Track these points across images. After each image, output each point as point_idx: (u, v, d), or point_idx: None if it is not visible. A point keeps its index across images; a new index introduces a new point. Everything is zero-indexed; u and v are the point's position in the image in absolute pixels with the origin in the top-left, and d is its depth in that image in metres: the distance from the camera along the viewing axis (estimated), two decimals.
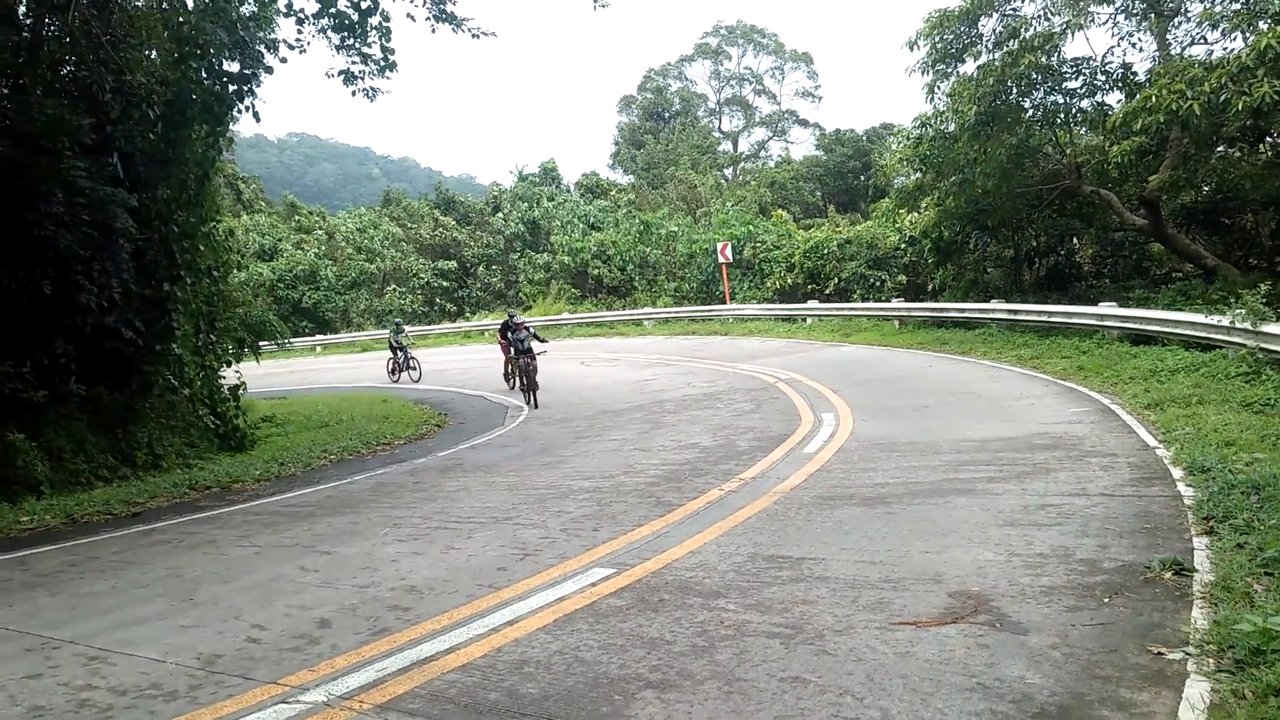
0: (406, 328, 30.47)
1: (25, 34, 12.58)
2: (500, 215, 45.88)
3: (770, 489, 8.38)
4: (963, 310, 22.53)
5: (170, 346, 13.26)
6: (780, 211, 39.21)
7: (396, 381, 23.99)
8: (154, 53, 13.47)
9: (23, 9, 12.89)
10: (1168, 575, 5.19)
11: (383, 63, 14.49)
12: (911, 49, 21.33)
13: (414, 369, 24.13)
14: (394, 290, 44.10)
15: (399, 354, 24.45)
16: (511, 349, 18.60)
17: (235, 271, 19.64)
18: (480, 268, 45.08)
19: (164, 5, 13.40)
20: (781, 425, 12.12)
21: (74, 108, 12.22)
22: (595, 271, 38.95)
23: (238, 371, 15.73)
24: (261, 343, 16.94)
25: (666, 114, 70.04)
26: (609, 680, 4.29)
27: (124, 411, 12.42)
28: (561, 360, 24.39)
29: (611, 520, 7.69)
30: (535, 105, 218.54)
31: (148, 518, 9.72)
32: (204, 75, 12.82)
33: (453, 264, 45.29)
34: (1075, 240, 25.32)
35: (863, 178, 50.56)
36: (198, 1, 12.58)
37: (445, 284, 44.78)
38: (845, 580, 5.55)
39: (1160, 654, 4.17)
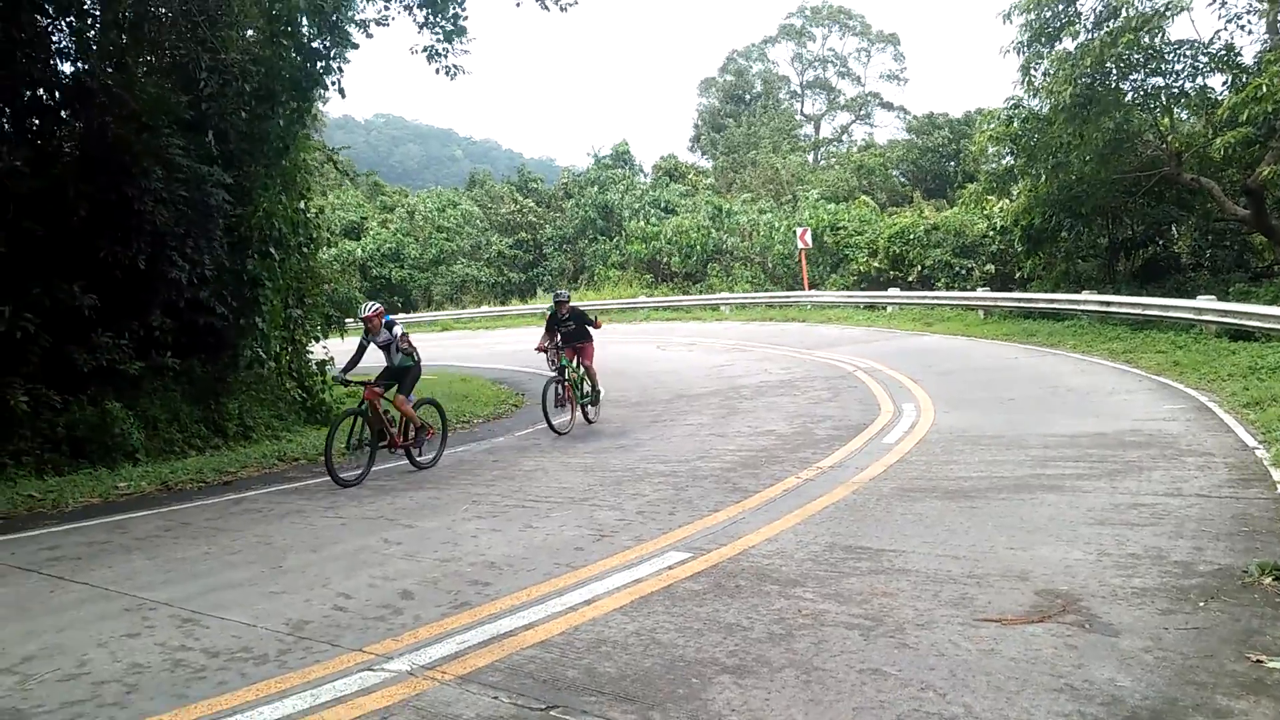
0: (577, 303, 19.24)
1: (128, 14, 13.03)
2: (573, 201, 46.21)
3: (849, 479, 8.28)
4: (1052, 301, 21.88)
5: (255, 321, 13.68)
6: (865, 197, 38.56)
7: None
8: (249, 31, 13.84)
9: None
10: (1267, 580, 4.98)
11: (452, 29, 14.61)
12: (1005, 21, 20.74)
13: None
14: (465, 263, 44.87)
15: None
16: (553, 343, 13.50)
17: (324, 249, 20.08)
18: (551, 249, 45.60)
19: None
20: (860, 414, 11.96)
21: (173, 86, 12.64)
22: (668, 258, 38.83)
23: (324, 347, 16.14)
24: (348, 320, 17.26)
25: (747, 96, 69.27)
26: (685, 663, 4.29)
27: (216, 384, 12.85)
28: (638, 344, 24.46)
29: (687, 505, 7.69)
30: (616, 88, 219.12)
31: (238, 486, 10.05)
32: (294, 53, 13.11)
33: (525, 235, 45.96)
34: (1174, 230, 24.35)
35: (952, 164, 49.39)
36: None
37: (520, 254, 45.48)
38: (926, 574, 5.45)
39: (1259, 661, 4.00)
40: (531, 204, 48.51)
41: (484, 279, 44.49)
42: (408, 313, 44.11)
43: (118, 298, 11.78)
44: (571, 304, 13.39)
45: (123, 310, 11.88)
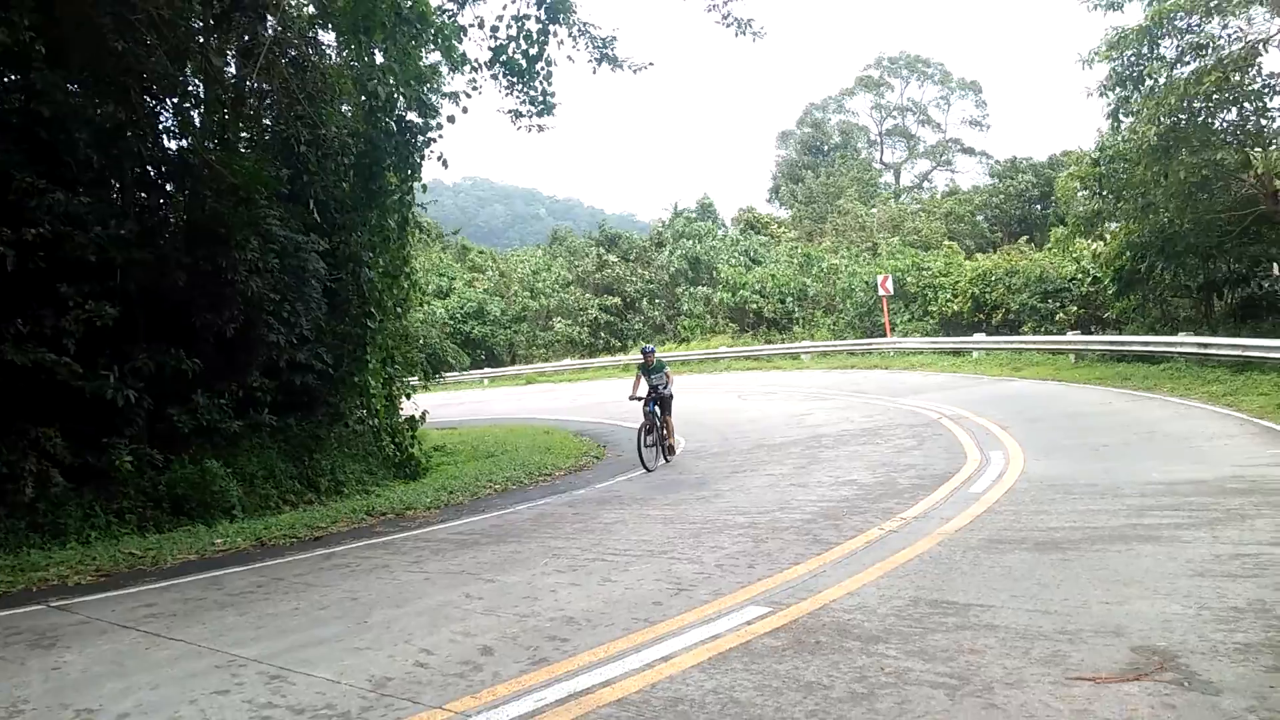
0: (660, 354, 17.32)
1: (230, 93, 13.81)
2: (666, 251, 46.99)
3: (933, 530, 8.10)
4: (1146, 344, 21.15)
5: (365, 378, 14.26)
6: (951, 244, 38.25)
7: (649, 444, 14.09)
8: (346, 107, 14.54)
9: (230, 69, 14.18)
10: None
11: (543, 105, 15.16)
12: (1086, 67, 20.53)
13: (665, 436, 14.50)
14: (561, 323, 45.78)
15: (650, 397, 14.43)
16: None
17: (415, 309, 20.83)
18: (644, 301, 46.20)
19: (353, 62, 14.45)
20: (945, 463, 11.70)
21: (273, 160, 13.31)
22: (755, 305, 39.09)
23: (415, 403, 16.56)
24: (448, 373, 17.84)
25: (825, 147, 69.39)
26: None
27: (310, 440, 13.30)
28: (718, 394, 24.41)
29: (767, 557, 7.61)
30: (693, 143, 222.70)
31: (329, 541, 10.28)
32: (393, 127, 13.77)
33: (616, 300, 46.66)
34: (1275, 267, 23.37)
35: (1038, 207, 48.54)
36: (385, 59, 13.50)
37: (609, 318, 46.20)
38: (1016, 630, 5.29)
39: None
40: (614, 259, 49.34)
41: (580, 339, 45.40)
42: (492, 367, 45.05)
43: (218, 360, 12.32)
44: None
45: (222, 372, 12.40)
